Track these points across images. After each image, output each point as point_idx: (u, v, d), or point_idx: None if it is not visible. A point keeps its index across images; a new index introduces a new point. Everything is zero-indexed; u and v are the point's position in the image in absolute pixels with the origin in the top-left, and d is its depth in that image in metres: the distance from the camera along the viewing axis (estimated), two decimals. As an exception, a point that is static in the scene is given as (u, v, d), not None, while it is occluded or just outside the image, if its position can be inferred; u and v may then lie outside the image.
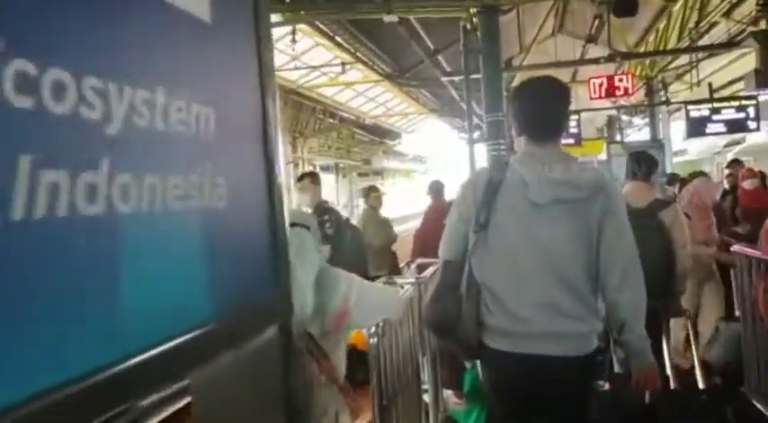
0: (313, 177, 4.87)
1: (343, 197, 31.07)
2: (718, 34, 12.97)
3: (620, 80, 9.96)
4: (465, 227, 2.17)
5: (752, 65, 12.17)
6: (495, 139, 9.06)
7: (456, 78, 9.84)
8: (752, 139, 15.56)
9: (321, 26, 12.20)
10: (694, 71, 14.70)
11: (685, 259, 3.63)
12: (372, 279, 6.06)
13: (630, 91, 10.15)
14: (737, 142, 15.91)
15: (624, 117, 21.48)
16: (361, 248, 4.60)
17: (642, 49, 15.08)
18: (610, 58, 9.83)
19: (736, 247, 3.69)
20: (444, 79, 10.62)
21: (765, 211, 6.12)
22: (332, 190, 33.21)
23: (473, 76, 9.33)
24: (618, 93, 10.00)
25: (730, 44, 9.95)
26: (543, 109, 2.17)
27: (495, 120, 9.05)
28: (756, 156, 10.66)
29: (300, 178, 4.85)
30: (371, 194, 6.50)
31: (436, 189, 6.75)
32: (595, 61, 9.92)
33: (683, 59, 14.67)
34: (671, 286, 3.58)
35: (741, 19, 11.19)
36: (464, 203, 2.21)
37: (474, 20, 9.08)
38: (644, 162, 3.98)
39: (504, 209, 2.08)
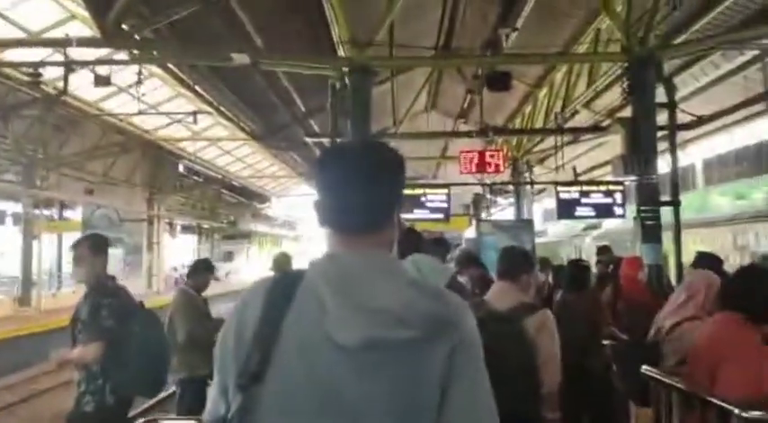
0: (93, 242, 3.43)
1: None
2: (579, 121, 13.56)
3: (492, 156, 9.72)
4: (225, 379, 1.23)
5: (611, 153, 12.72)
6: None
7: (324, 140, 9.07)
8: (607, 224, 16.21)
9: (179, 75, 11.14)
10: (559, 155, 15.24)
11: (553, 374, 2.93)
12: (184, 382, 4.87)
13: (501, 168, 9.94)
14: (595, 226, 16.52)
15: (489, 196, 22.04)
16: (161, 346, 3.34)
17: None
18: (482, 132, 9.61)
19: (655, 373, 2.92)
20: (309, 140, 9.84)
21: (652, 310, 5.72)
22: (193, 252, 31.10)
23: (341, 140, 8.60)
24: (489, 169, 9.73)
25: (597, 129, 10.14)
26: (354, 184, 1.27)
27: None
28: (612, 241, 10.77)
29: (75, 245, 3.41)
30: (201, 273, 4.97)
31: (280, 263, 5.65)
32: (468, 134, 9.64)
33: (547, 143, 15.20)
34: (535, 412, 2.72)
35: (600, 110, 11.69)
36: (226, 339, 1.24)
37: (345, 80, 8.46)
38: (514, 258, 3.32)
39: (289, 350, 1.15)
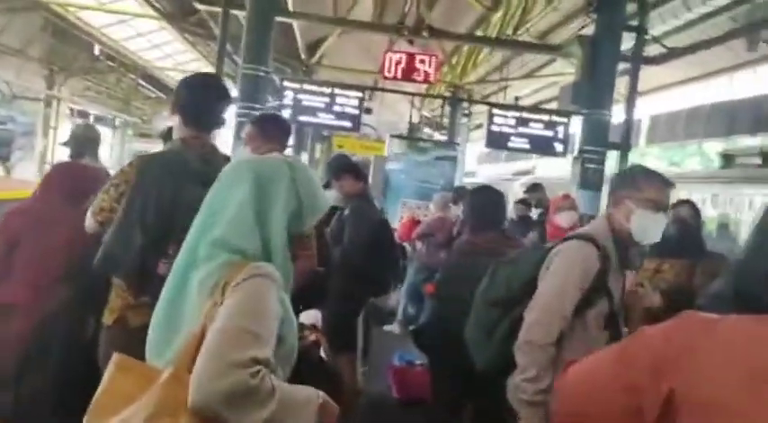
0: None
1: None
2: (530, 57, 12.12)
3: (422, 62, 8.03)
4: None
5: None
6: (252, 101, 6.69)
7: (216, 9, 7.18)
8: (541, 171, 15.19)
9: None
10: (502, 93, 13.84)
11: None
12: None
13: (432, 77, 8.25)
14: (527, 172, 15.49)
15: (427, 130, 20.75)
16: None
17: (455, 59, 13.87)
18: (415, 31, 7.78)
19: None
20: (201, 7, 7.87)
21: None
22: (105, 148, 28.26)
23: (236, 12, 6.81)
24: (417, 76, 8.04)
25: (552, 47, 8.60)
26: None
27: (255, 74, 6.64)
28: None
29: None
30: None
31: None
32: (398, 30, 7.87)
33: (493, 77, 13.80)
34: None
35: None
36: None
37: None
38: None
39: None
